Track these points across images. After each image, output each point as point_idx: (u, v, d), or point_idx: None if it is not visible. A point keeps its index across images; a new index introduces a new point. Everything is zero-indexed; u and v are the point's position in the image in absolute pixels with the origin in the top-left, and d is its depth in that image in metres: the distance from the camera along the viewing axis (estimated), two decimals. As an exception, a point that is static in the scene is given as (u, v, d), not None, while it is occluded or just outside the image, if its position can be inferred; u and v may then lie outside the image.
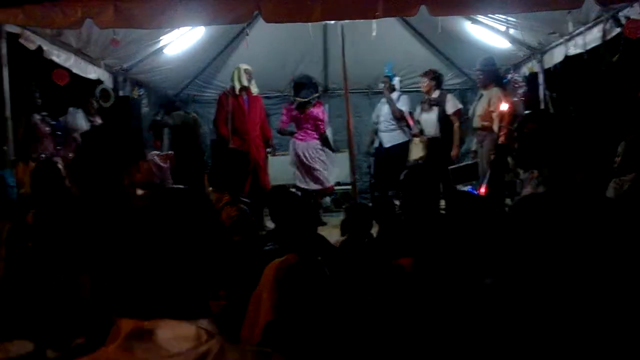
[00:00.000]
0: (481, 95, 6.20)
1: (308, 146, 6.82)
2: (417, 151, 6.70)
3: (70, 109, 6.16)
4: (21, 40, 4.88)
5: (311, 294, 2.30)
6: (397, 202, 6.31)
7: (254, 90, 6.69)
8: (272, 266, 2.39)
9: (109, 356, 0.92)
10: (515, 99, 5.93)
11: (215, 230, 1.09)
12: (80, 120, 6.10)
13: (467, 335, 1.90)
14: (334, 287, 2.37)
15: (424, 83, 6.59)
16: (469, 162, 6.24)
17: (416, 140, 6.75)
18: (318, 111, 6.91)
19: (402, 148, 6.89)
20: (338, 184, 8.14)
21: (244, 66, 6.56)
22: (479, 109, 6.03)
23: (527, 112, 2.74)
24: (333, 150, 7.08)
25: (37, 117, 5.54)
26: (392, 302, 2.25)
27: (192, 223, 1.04)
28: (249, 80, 6.55)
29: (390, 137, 6.99)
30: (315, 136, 6.87)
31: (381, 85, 7.24)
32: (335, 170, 6.99)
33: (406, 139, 6.92)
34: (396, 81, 7.20)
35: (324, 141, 6.93)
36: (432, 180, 3.09)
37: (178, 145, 7.22)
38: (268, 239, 3.57)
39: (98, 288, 2.27)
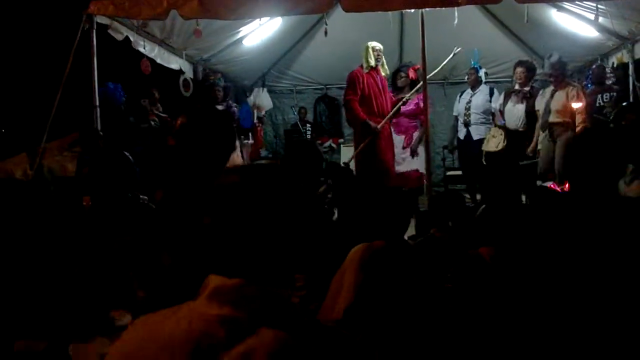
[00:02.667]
0: (555, 91, 5.89)
1: None
2: (494, 142, 6.49)
3: (256, 89, 6.44)
4: (110, 31, 5.11)
5: (394, 280, 2.29)
6: (466, 196, 6.20)
7: (384, 71, 6.22)
8: (358, 249, 2.40)
9: (195, 308, 0.98)
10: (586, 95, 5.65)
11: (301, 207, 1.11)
12: (266, 100, 6.37)
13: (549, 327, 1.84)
14: (415, 276, 2.35)
15: (521, 73, 6.22)
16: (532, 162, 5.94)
17: (494, 131, 6.53)
18: None
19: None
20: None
21: (372, 44, 6.04)
22: (555, 104, 5.75)
23: (624, 103, 2.58)
24: None
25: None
26: (472, 291, 2.20)
27: (281, 196, 1.08)
28: (378, 60, 6.04)
29: (481, 130, 6.79)
30: None
31: (466, 78, 7.08)
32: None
33: None
34: (482, 73, 6.99)
35: None
36: (514, 171, 3.01)
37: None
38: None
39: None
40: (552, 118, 5.79)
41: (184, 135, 2.05)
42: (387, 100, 6.05)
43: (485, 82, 7.05)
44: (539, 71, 6.50)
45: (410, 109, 6.36)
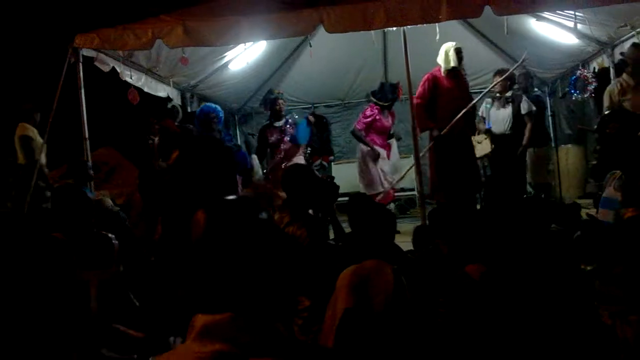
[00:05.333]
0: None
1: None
2: (480, 148, 6.57)
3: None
4: (96, 63, 5.14)
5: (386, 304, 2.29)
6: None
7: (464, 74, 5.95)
8: (346, 273, 2.40)
9: (188, 348, 1.01)
10: None
11: (277, 239, 1.15)
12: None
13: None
14: (410, 295, 2.36)
15: (498, 82, 6.35)
16: None
17: (479, 138, 6.62)
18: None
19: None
20: (402, 189, 8.11)
21: (452, 45, 5.75)
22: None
23: (607, 112, 2.60)
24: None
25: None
26: (460, 310, 2.21)
27: (258, 230, 1.12)
28: (459, 61, 5.72)
29: None
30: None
31: None
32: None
33: None
34: None
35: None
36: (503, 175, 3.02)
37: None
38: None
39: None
40: None
41: (180, 168, 2.06)
42: (467, 102, 5.73)
43: None
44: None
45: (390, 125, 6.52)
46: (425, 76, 5.76)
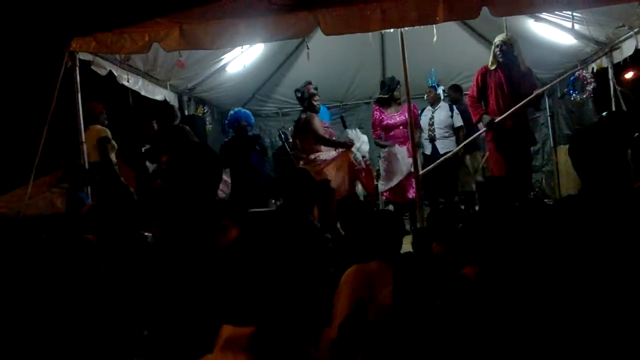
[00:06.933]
0: None
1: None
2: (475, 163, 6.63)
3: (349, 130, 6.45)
4: (93, 67, 5.12)
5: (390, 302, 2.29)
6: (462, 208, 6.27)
7: (523, 65, 5.59)
8: (351, 270, 2.43)
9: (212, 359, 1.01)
10: None
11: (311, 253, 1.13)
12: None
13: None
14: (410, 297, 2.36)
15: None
16: None
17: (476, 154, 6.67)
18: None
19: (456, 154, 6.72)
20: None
21: (495, 39, 5.55)
22: None
23: (605, 113, 2.58)
24: None
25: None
26: (459, 314, 2.20)
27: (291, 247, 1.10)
28: (502, 55, 5.46)
29: (446, 144, 6.92)
30: None
31: (425, 97, 7.30)
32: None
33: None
34: (440, 90, 7.22)
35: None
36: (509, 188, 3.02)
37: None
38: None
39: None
40: None
41: (172, 173, 2.04)
42: (517, 97, 5.47)
43: (444, 99, 7.29)
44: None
45: (402, 120, 6.47)
46: (478, 70, 5.72)
